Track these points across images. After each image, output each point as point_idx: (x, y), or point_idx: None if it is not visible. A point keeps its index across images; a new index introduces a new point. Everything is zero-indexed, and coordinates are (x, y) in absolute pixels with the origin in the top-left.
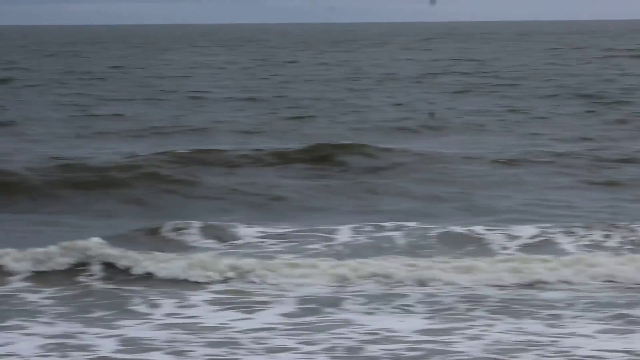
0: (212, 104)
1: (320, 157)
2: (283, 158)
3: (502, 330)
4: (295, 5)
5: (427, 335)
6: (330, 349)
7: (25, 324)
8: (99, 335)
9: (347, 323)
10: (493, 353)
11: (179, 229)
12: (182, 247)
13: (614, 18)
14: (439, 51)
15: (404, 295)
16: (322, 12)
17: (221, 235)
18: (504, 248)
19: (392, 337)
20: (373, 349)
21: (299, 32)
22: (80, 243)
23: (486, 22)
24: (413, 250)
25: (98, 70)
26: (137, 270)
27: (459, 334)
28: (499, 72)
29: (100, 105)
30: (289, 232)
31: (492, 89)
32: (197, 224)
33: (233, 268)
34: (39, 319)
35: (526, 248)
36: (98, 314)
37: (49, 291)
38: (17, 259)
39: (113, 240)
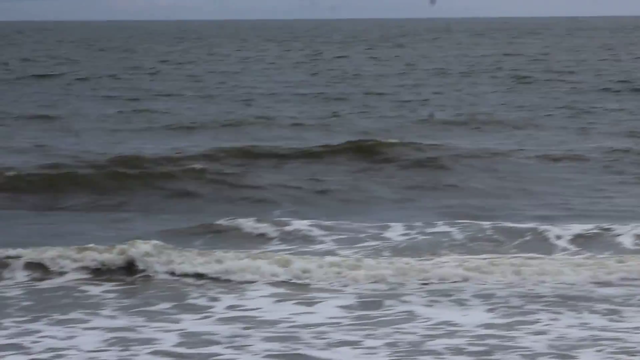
0: (262, 99)
1: (369, 152)
2: (332, 153)
3: (565, 325)
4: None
5: (491, 329)
6: (393, 344)
7: (87, 317)
8: (160, 329)
9: (409, 317)
10: (560, 349)
11: (234, 224)
12: (237, 243)
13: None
14: (490, 46)
15: (460, 290)
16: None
17: (276, 231)
18: (557, 244)
19: (456, 332)
20: (435, 343)
21: (348, 28)
22: (137, 243)
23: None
24: (466, 245)
25: (149, 65)
26: (192, 268)
27: (523, 328)
28: (550, 67)
29: (150, 100)
30: (343, 227)
31: (543, 84)
32: (250, 219)
33: (287, 264)
34: (101, 312)
35: (579, 244)
36: (158, 307)
37: (109, 285)
38: (75, 258)
39: (167, 236)
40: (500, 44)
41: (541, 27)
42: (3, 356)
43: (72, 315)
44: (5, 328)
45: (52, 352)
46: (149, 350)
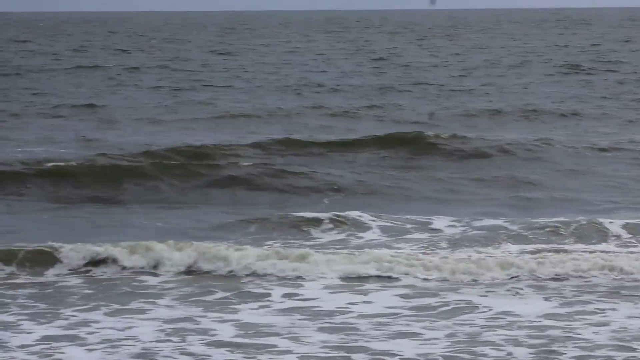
0: (311, 89)
1: (415, 143)
2: (379, 145)
3: (624, 316)
4: None
5: (550, 320)
6: (452, 335)
7: (145, 306)
8: (217, 319)
9: (467, 307)
10: (622, 340)
11: (285, 216)
12: (289, 235)
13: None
14: (541, 37)
15: (514, 282)
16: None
17: (328, 223)
18: (609, 235)
19: (515, 322)
20: (494, 334)
21: (398, 18)
22: (198, 245)
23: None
24: (519, 237)
25: (199, 56)
26: (247, 268)
27: (582, 319)
28: (600, 57)
29: (198, 91)
30: (393, 219)
31: (593, 75)
32: (301, 211)
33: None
34: (158, 302)
35: (631, 234)
36: (216, 298)
37: (167, 275)
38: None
39: (219, 229)
40: (550, 34)
41: (592, 18)
42: (59, 347)
43: (131, 305)
44: (65, 318)
45: (107, 343)
46: (205, 341)
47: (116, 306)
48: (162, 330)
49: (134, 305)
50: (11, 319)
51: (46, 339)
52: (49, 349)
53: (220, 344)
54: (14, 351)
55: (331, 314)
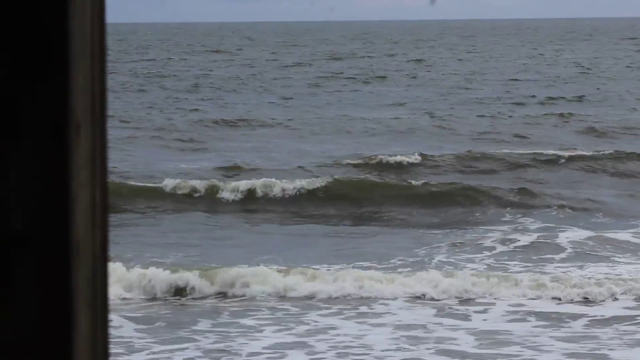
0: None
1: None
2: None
3: None
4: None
5: None
6: None
7: (379, 309)
8: (453, 327)
9: None
10: None
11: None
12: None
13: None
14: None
15: None
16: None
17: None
18: None
19: None
20: None
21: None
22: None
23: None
24: None
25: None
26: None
27: None
28: None
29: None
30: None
31: None
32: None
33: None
34: (392, 304)
35: None
36: (442, 303)
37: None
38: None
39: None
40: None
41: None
42: (287, 355)
43: (363, 309)
44: (306, 323)
45: (334, 349)
46: (440, 349)
47: (358, 310)
48: (395, 339)
49: (368, 309)
50: (252, 323)
51: (276, 346)
52: (274, 357)
53: (455, 354)
54: (240, 358)
55: (564, 321)
